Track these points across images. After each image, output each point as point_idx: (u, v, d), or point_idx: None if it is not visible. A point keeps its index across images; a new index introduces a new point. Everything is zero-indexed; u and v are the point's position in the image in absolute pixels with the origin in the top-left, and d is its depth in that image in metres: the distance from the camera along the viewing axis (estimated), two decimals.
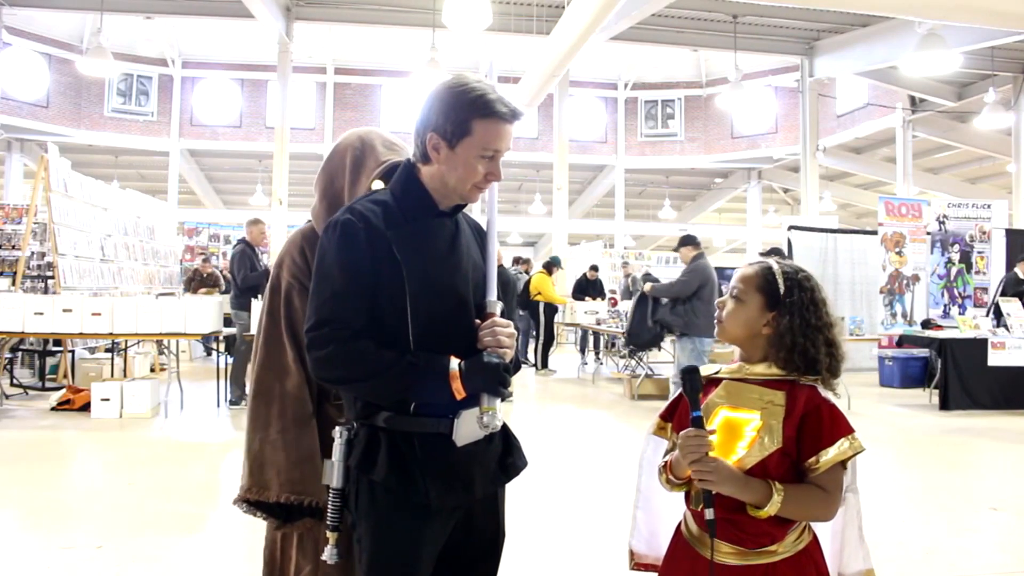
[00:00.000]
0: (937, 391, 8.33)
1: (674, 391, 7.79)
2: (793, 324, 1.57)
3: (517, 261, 13.11)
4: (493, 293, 1.64)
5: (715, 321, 1.66)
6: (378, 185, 1.89)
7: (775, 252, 7.45)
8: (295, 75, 15.90)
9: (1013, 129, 14.95)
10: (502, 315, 1.64)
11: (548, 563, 3.56)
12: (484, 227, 1.75)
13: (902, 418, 7.78)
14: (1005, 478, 5.41)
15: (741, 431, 1.53)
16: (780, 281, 1.60)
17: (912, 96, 16.47)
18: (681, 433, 1.51)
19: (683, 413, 1.66)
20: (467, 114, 1.56)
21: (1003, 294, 9.23)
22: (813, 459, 1.49)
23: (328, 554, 1.62)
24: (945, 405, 8.09)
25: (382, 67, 19.46)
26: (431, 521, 1.57)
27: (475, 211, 1.76)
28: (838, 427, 1.51)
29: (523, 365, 1.80)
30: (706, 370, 1.64)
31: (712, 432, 1.50)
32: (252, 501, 1.87)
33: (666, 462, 1.61)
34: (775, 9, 13.61)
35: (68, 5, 14.35)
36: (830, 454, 1.49)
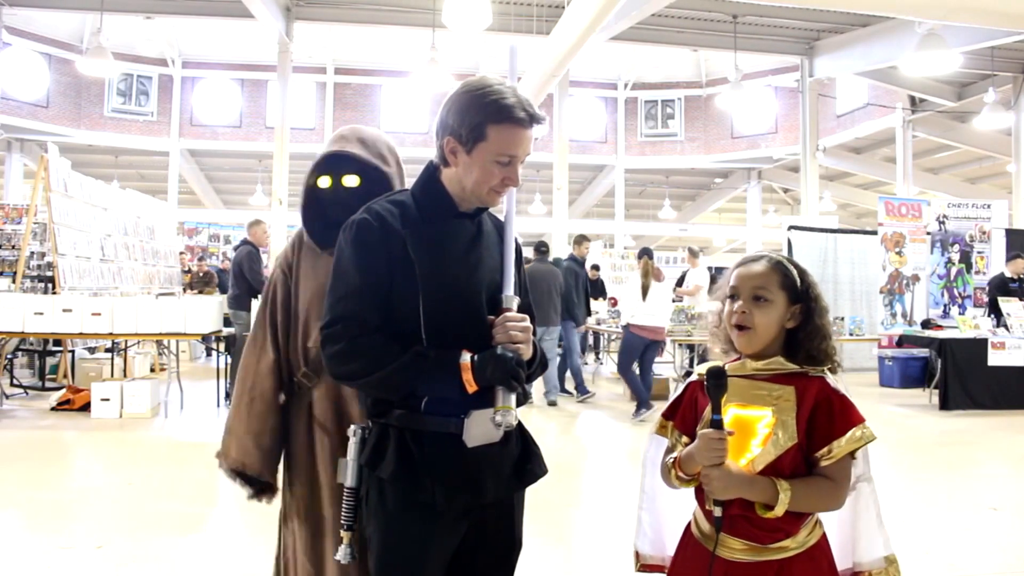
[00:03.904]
0: (937, 391, 8.33)
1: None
2: (821, 311, 1.57)
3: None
4: (510, 288, 1.61)
5: (735, 328, 1.58)
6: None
7: (646, 252, 7.58)
8: (295, 75, 15.89)
9: (1013, 129, 14.94)
10: (524, 311, 1.63)
11: (548, 564, 3.56)
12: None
13: (902, 418, 7.78)
14: (1005, 478, 5.41)
15: (753, 429, 1.52)
16: (795, 273, 1.59)
17: (912, 96, 16.46)
18: (700, 433, 1.50)
19: (685, 411, 1.64)
20: (482, 119, 1.54)
21: (990, 294, 9.28)
22: (825, 450, 1.48)
23: (342, 553, 1.62)
24: (945, 405, 8.09)
25: (382, 67, 19.45)
26: (439, 522, 1.55)
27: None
28: (849, 417, 1.50)
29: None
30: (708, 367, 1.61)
31: (731, 434, 1.48)
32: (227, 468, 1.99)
33: (675, 458, 1.59)
34: (775, 9, 13.60)
35: (68, 5, 14.33)
36: (842, 445, 1.48)
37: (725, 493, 1.46)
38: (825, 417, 1.50)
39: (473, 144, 1.56)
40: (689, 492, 1.61)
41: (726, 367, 1.59)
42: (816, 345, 1.56)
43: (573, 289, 8.55)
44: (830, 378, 1.56)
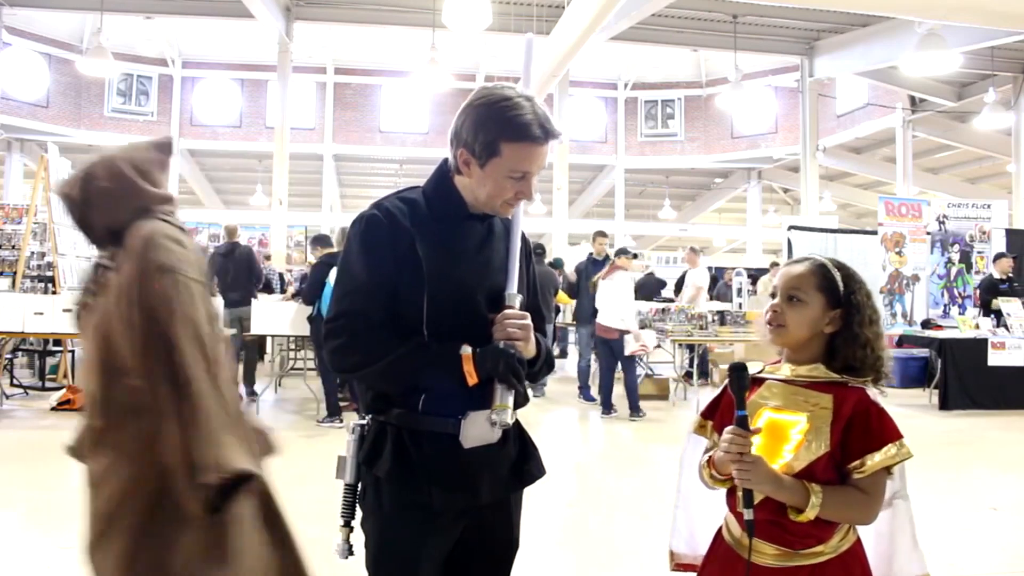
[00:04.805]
0: (937, 391, 8.33)
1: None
2: (863, 319, 1.54)
3: None
4: (512, 286, 1.61)
5: (768, 325, 1.58)
6: None
7: (624, 252, 7.57)
8: (295, 75, 15.89)
9: (1013, 129, 14.95)
10: (532, 310, 1.63)
11: (547, 564, 3.56)
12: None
13: (902, 418, 7.65)
14: (1005, 478, 5.41)
15: (786, 433, 1.50)
16: (838, 277, 1.57)
17: (912, 96, 16.47)
18: (725, 429, 1.49)
19: (724, 411, 1.63)
20: (496, 135, 1.53)
21: (982, 297, 9.29)
22: (858, 462, 1.46)
23: (338, 549, 1.62)
24: (945, 405, 8.09)
25: (382, 67, 19.44)
26: (435, 522, 1.55)
27: None
28: (887, 431, 1.48)
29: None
30: (731, 363, 1.61)
31: (756, 432, 1.47)
32: None
33: (709, 458, 1.58)
34: (775, 9, 13.61)
35: (68, 5, 14.35)
36: (876, 459, 1.45)
37: (757, 484, 1.44)
38: (861, 429, 1.47)
39: (487, 159, 1.54)
40: (724, 492, 1.61)
41: (765, 368, 1.58)
42: (853, 353, 1.53)
43: (583, 289, 8.51)
44: (871, 391, 1.54)
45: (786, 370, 1.58)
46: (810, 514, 1.44)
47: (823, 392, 1.52)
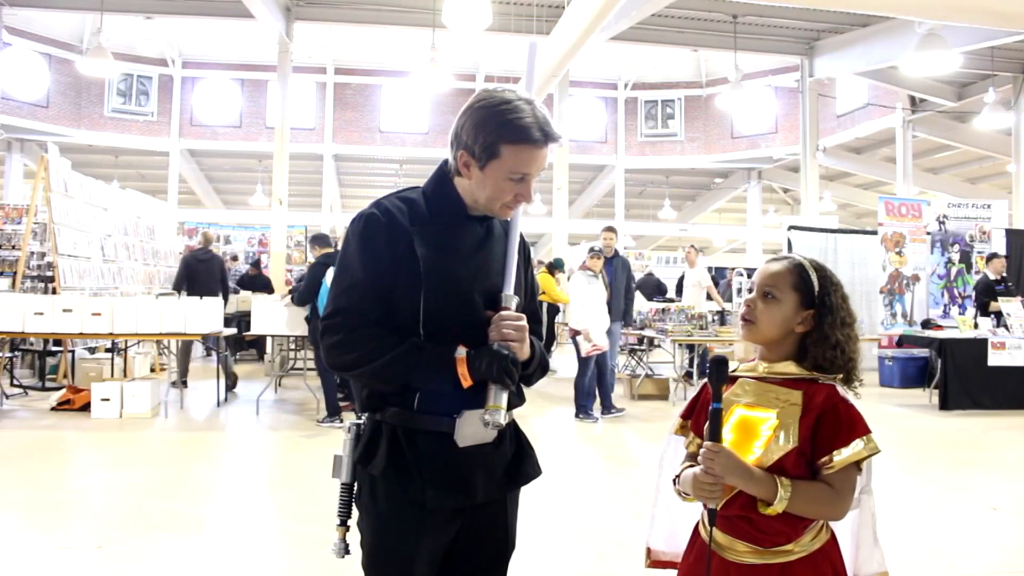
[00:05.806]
0: (937, 391, 8.34)
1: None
2: (835, 321, 1.55)
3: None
4: (509, 288, 1.61)
5: (742, 321, 1.61)
6: None
7: (590, 251, 7.60)
8: (295, 75, 15.87)
9: (1013, 129, 14.94)
10: (529, 313, 1.64)
11: (545, 564, 3.56)
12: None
13: (902, 418, 7.78)
14: (1005, 478, 5.41)
15: (757, 430, 1.51)
16: (814, 278, 1.58)
17: (912, 96, 16.46)
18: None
19: (701, 411, 1.63)
20: (496, 137, 1.53)
21: (978, 299, 9.29)
22: (826, 458, 1.47)
23: (334, 548, 1.62)
24: (945, 405, 8.09)
25: (382, 67, 19.45)
26: (430, 521, 1.55)
27: None
28: (855, 427, 1.49)
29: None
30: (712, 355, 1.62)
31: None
32: None
33: (676, 475, 1.60)
34: (775, 9, 13.60)
35: (68, 5, 14.33)
36: (844, 454, 1.46)
37: (724, 476, 1.45)
38: (830, 425, 1.48)
39: (486, 161, 1.55)
40: None
41: (740, 367, 1.59)
42: (822, 353, 1.55)
43: None
44: (841, 388, 1.55)
45: (759, 368, 1.59)
46: (778, 507, 1.44)
47: (794, 388, 1.53)
